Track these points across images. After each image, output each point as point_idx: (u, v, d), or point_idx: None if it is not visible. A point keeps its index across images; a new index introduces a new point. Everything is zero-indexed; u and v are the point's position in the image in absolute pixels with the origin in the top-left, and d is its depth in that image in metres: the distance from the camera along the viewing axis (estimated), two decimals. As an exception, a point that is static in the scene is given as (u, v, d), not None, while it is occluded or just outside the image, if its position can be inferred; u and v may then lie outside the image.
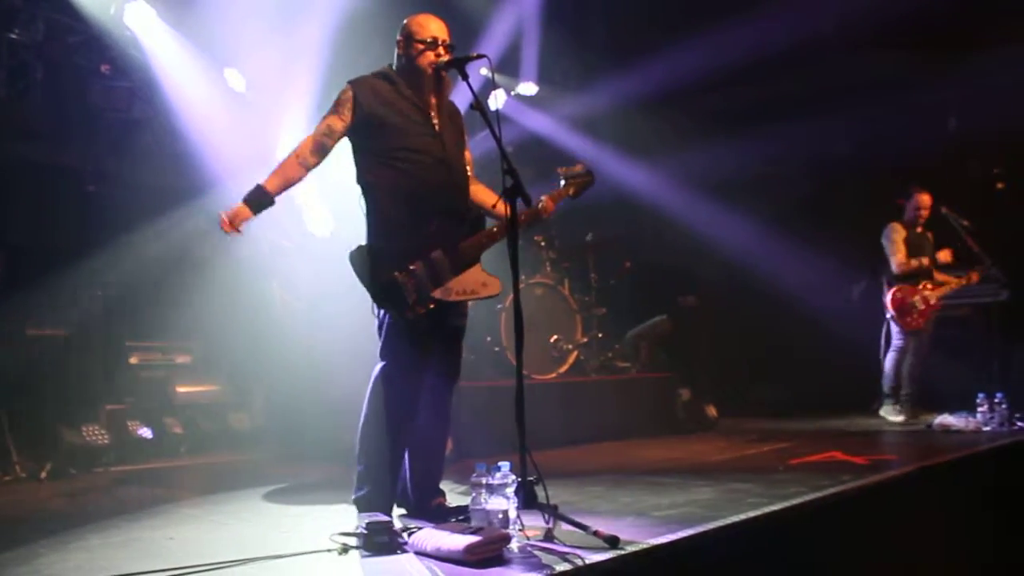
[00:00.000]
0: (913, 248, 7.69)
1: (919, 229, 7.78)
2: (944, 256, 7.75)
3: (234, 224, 3.85)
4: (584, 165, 4.33)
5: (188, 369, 7.66)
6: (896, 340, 7.68)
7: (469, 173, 4.24)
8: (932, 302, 7.51)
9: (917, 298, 7.47)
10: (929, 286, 7.53)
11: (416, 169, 3.93)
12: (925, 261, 7.56)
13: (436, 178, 3.96)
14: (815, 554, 3.95)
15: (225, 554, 3.36)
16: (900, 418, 7.42)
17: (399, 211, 3.86)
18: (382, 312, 3.89)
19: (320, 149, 3.95)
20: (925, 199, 7.79)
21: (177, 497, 5.21)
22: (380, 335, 3.94)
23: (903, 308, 7.53)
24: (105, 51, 7.25)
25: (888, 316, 7.70)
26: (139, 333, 7.48)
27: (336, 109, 3.96)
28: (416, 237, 3.83)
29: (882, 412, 7.59)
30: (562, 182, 4.27)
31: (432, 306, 3.80)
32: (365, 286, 3.83)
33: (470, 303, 4.13)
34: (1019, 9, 8.89)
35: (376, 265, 3.80)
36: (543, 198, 4.15)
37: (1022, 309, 8.75)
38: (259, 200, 3.88)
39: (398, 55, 4.08)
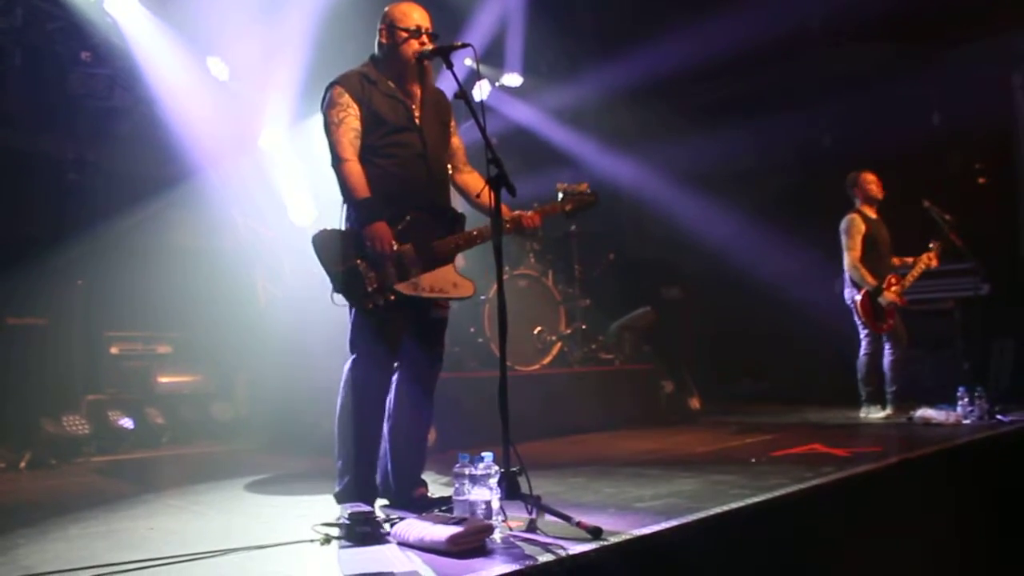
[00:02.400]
0: (872, 238, 7.55)
1: (874, 213, 7.66)
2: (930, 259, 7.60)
3: (391, 245, 3.76)
4: (589, 185, 4.24)
5: (170, 359, 7.63)
6: (865, 343, 7.59)
7: (461, 162, 4.21)
8: (898, 301, 7.43)
9: (884, 303, 7.37)
10: (894, 280, 7.46)
11: (394, 164, 3.91)
12: (871, 280, 7.37)
13: (414, 173, 3.94)
14: (797, 545, 3.96)
15: (207, 544, 3.35)
16: (881, 414, 7.42)
17: (375, 204, 3.82)
18: (343, 301, 3.85)
19: (357, 150, 3.87)
20: (872, 175, 7.64)
21: (158, 487, 5.19)
22: (350, 327, 3.93)
23: (870, 312, 7.42)
24: (86, 38, 7.19)
25: (856, 320, 7.57)
26: (120, 323, 7.45)
27: (344, 110, 3.87)
28: (391, 228, 3.80)
29: (862, 414, 7.57)
30: (560, 196, 4.20)
31: (393, 298, 3.77)
32: (326, 272, 3.80)
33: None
34: (1001, 4, 8.92)
35: (340, 252, 3.77)
36: (529, 212, 4.07)
37: (1002, 303, 8.80)
38: (379, 209, 3.80)
39: (380, 44, 4.04)
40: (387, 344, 3.87)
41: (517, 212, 4.03)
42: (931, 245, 7.57)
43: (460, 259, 4.13)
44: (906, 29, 9.39)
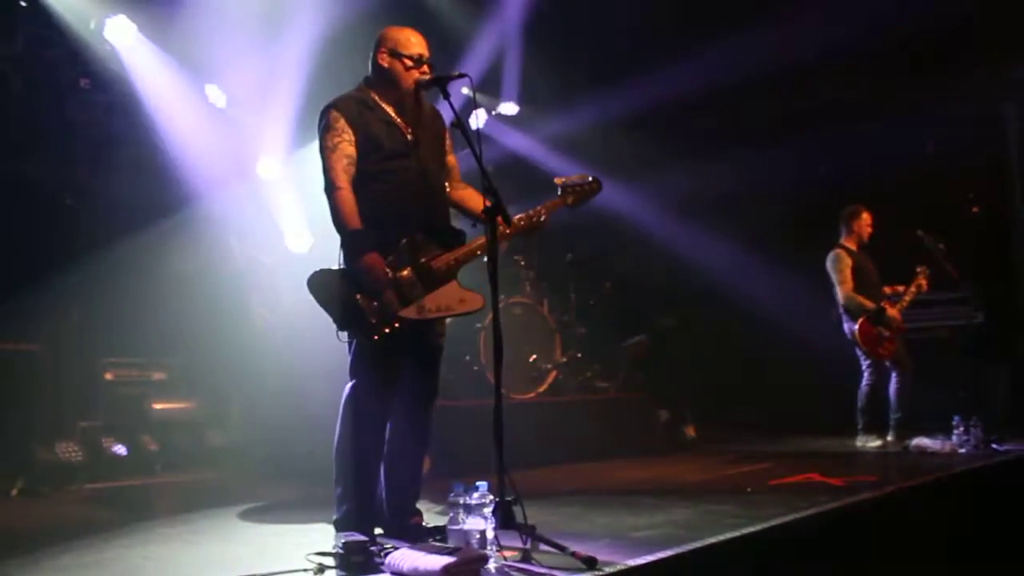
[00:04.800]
0: (860, 270, 7.61)
1: (856, 248, 7.72)
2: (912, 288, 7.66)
3: (385, 273, 3.76)
4: (589, 174, 4.18)
5: (164, 385, 7.59)
6: (867, 374, 7.58)
7: (455, 180, 4.20)
8: (897, 324, 7.45)
9: (889, 320, 7.40)
10: (888, 304, 7.49)
11: (391, 188, 3.91)
12: (870, 304, 7.42)
13: (412, 196, 3.93)
14: (793, 575, 3.95)
15: (200, 573, 3.34)
16: (877, 443, 7.42)
17: (373, 229, 3.82)
18: (346, 338, 3.86)
19: (351, 177, 3.87)
20: (868, 215, 7.71)
21: (152, 515, 5.16)
22: (350, 353, 3.93)
23: (871, 338, 7.43)
24: (85, 65, 7.22)
25: (856, 349, 7.58)
26: (115, 349, 7.42)
27: (338, 135, 3.87)
28: (387, 254, 3.80)
29: (858, 443, 7.55)
30: (559, 191, 4.15)
31: (398, 325, 3.76)
32: (326, 311, 3.78)
33: (448, 322, 4.11)
34: (994, 35, 9.01)
35: (337, 290, 3.76)
36: (534, 210, 4.06)
37: (997, 331, 8.81)
38: (370, 239, 3.79)
39: (378, 66, 4.03)
40: (387, 371, 3.86)
41: (520, 215, 4.01)
42: (918, 270, 7.60)
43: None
44: (899, 60, 9.47)
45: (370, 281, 3.72)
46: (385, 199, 3.89)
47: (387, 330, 3.73)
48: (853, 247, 7.70)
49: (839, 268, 7.58)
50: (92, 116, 7.45)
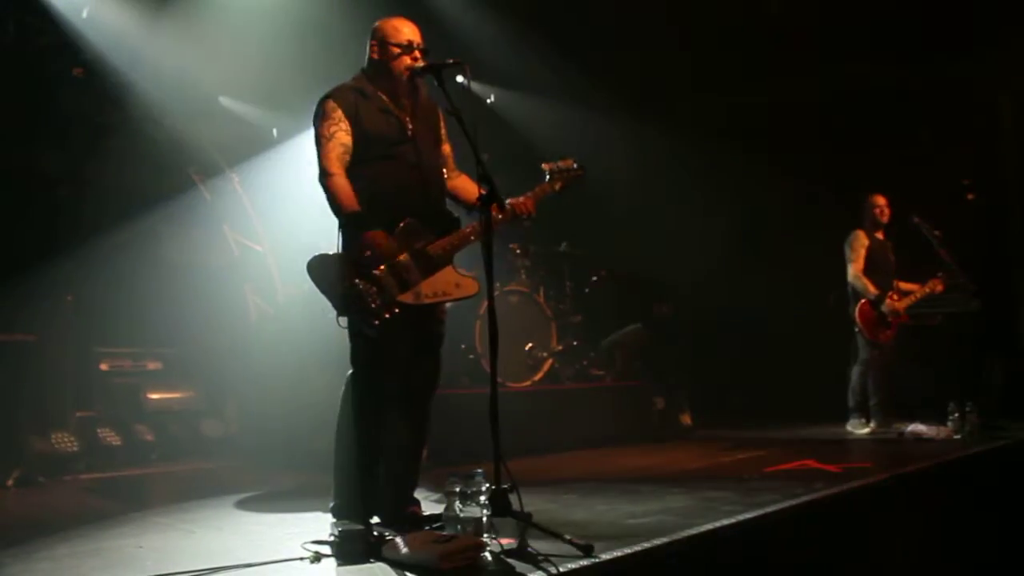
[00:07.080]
0: (875, 256, 7.66)
1: (880, 235, 7.76)
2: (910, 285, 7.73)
3: (390, 248, 3.74)
4: (574, 159, 4.18)
5: (159, 376, 7.58)
6: (862, 353, 7.65)
7: (450, 168, 4.19)
8: (901, 314, 7.50)
9: (887, 311, 7.46)
10: (895, 296, 7.53)
11: (388, 176, 3.89)
12: (874, 289, 7.47)
13: (409, 183, 3.92)
14: (789, 562, 3.95)
15: (195, 563, 3.32)
16: (865, 430, 7.45)
17: (366, 215, 3.80)
18: (345, 324, 3.84)
19: (344, 165, 3.85)
20: (881, 199, 7.79)
21: (147, 505, 5.15)
22: (350, 341, 3.91)
23: (870, 321, 7.49)
24: (77, 54, 7.18)
25: (856, 329, 7.64)
26: (110, 339, 7.40)
27: (335, 124, 3.85)
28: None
29: (848, 427, 7.60)
30: (547, 176, 4.14)
31: (398, 311, 3.74)
32: (325, 296, 3.76)
33: (447, 307, 4.09)
34: (989, 23, 8.99)
35: (336, 274, 3.74)
36: (521, 198, 4.04)
37: (992, 319, 8.82)
38: (368, 219, 3.77)
39: (371, 59, 4.04)
40: (388, 359, 3.84)
41: (509, 201, 3.96)
42: (940, 274, 7.64)
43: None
44: (895, 47, 9.46)
45: (376, 256, 3.69)
46: (383, 186, 3.87)
47: (386, 315, 3.71)
48: (877, 234, 7.78)
49: (854, 247, 7.70)
50: (85, 105, 7.41)
